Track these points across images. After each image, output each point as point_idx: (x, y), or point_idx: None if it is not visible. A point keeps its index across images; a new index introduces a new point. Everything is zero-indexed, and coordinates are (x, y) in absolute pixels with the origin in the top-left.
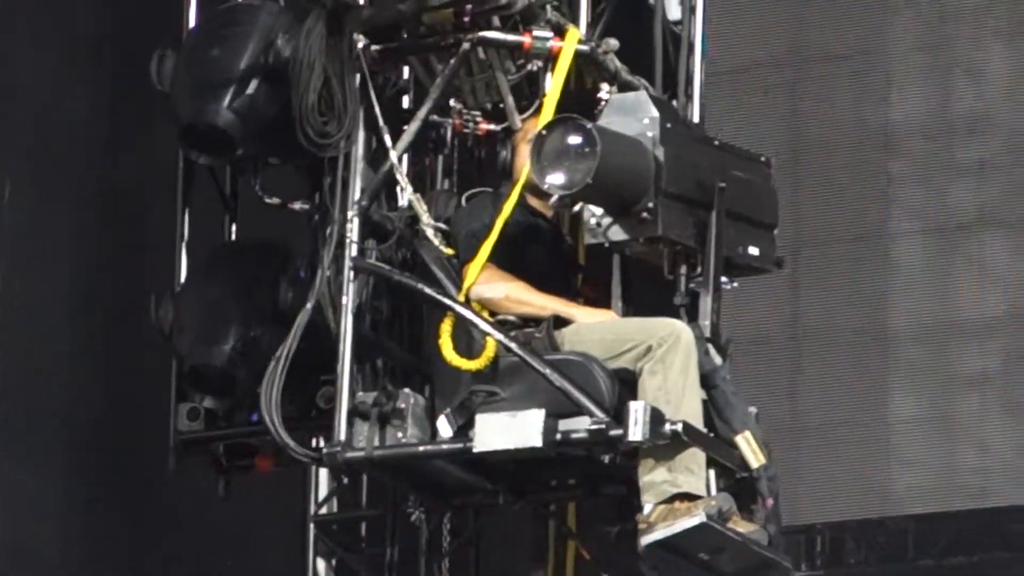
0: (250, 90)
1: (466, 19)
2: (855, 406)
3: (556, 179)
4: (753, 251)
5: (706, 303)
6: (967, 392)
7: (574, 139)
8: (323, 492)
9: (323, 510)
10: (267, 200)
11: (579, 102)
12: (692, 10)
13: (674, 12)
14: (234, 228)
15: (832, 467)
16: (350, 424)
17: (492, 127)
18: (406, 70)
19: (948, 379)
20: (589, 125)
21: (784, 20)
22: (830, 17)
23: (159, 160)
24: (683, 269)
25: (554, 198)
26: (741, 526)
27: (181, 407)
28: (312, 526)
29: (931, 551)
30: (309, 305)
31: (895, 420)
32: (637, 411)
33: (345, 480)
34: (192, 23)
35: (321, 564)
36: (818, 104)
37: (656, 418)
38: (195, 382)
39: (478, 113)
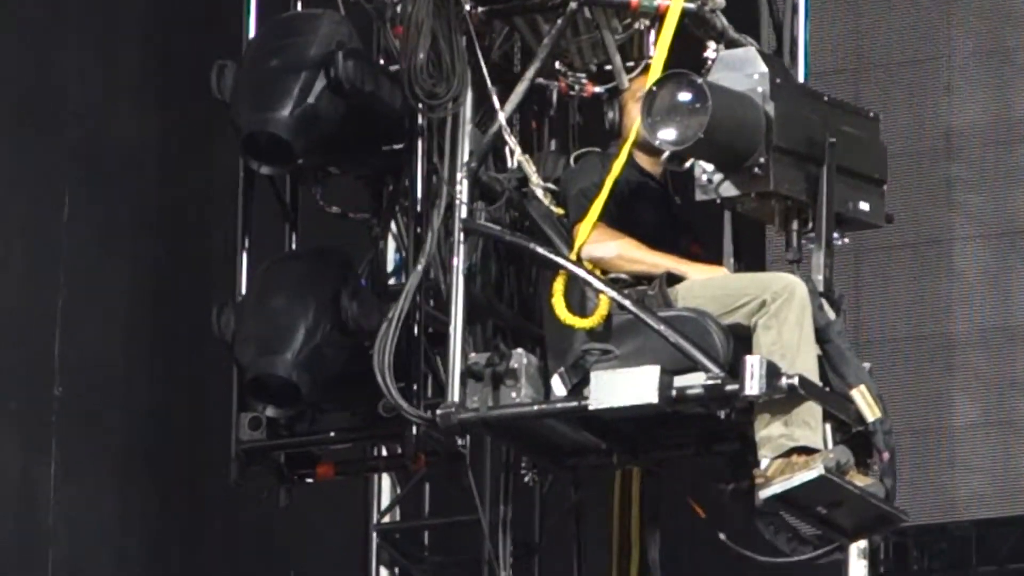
0: (311, 100)
1: None
2: (918, 412)
3: (668, 135)
4: (863, 207)
5: (818, 258)
6: None
7: (684, 95)
8: (385, 501)
9: (385, 519)
10: (328, 210)
11: (684, 61)
12: None
13: None
14: (294, 238)
15: None
16: (463, 385)
17: (598, 89)
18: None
19: (1010, 384)
20: (700, 80)
21: (843, 29)
22: (889, 25)
23: (219, 171)
24: (794, 225)
25: (665, 154)
26: (858, 479)
27: (243, 417)
28: (375, 535)
29: (994, 557)
30: (419, 267)
31: (958, 426)
32: (753, 365)
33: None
34: (252, 33)
35: (384, 573)
36: (879, 111)
37: (772, 372)
38: (257, 392)
39: (583, 75)
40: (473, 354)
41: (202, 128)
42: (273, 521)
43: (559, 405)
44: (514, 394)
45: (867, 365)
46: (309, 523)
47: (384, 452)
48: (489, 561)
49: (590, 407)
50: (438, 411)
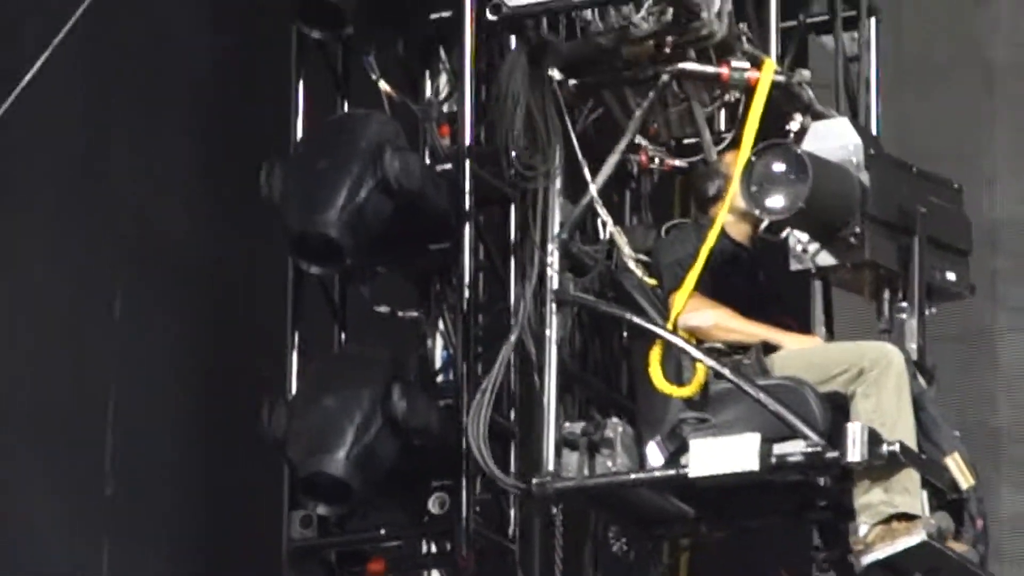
0: (359, 199)
1: (667, 50)
2: None
3: (774, 203)
4: (950, 276)
5: (911, 326)
6: None
7: (781, 166)
8: None
9: None
10: (376, 308)
11: (767, 133)
12: (867, 45)
13: (851, 48)
14: (343, 336)
15: None
16: (557, 455)
17: (678, 162)
18: None
19: None
20: (799, 151)
21: (885, 121)
22: (929, 118)
23: (268, 269)
24: (885, 294)
25: (764, 224)
26: (956, 546)
27: (293, 515)
28: None
29: None
30: (512, 337)
31: (1005, 518)
32: (855, 432)
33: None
34: (299, 133)
35: None
36: None
37: (874, 439)
38: (309, 490)
39: (663, 148)
40: (567, 423)
41: (251, 226)
42: None
43: (658, 473)
44: (610, 463)
45: (957, 433)
46: None
47: (434, 549)
48: None
49: (690, 475)
50: (534, 480)
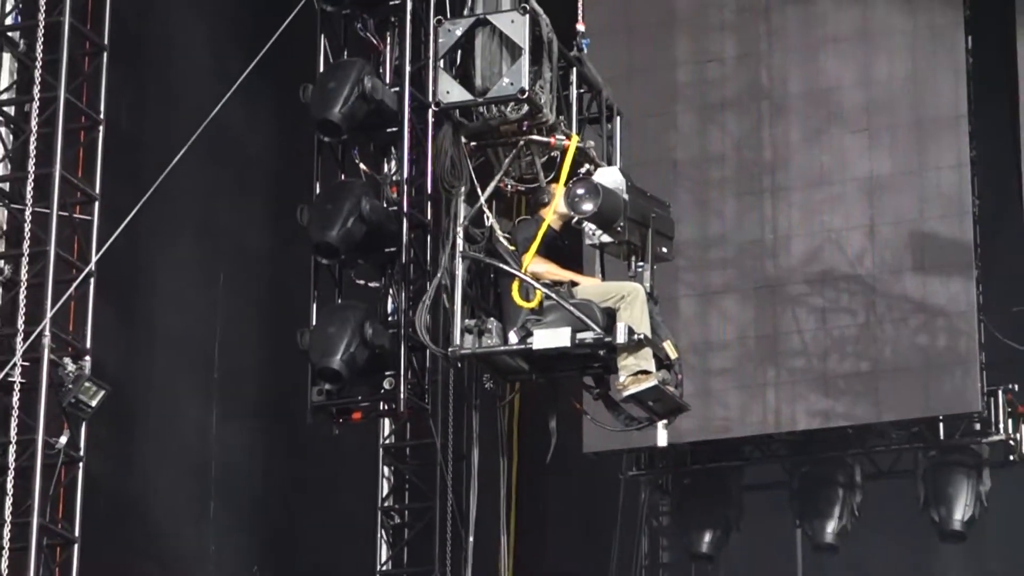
0: (348, 224)
1: (524, 127)
2: None
3: (584, 209)
4: (664, 250)
5: (647, 275)
6: None
7: (584, 189)
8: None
9: None
10: (357, 281)
11: (573, 172)
12: (615, 131)
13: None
14: (339, 295)
15: None
16: (462, 337)
17: (523, 188)
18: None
19: None
20: (595, 181)
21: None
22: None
23: (302, 262)
24: (634, 259)
25: (575, 219)
26: (668, 389)
27: (313, 389)
28: None
29: None
30: (439, 275)
31: None
32: (621, 328)
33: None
34: (317, 189)
35: None
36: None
37: (630, 331)
38: (320, 375)
39: (516, 180)
40: (466, 320)
41: (294, 239)
42: None
43: (515, 347)
44: (489, 341)
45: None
46: None
47: (386, 408)
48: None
49: (533, 348)
50: (449, 349)
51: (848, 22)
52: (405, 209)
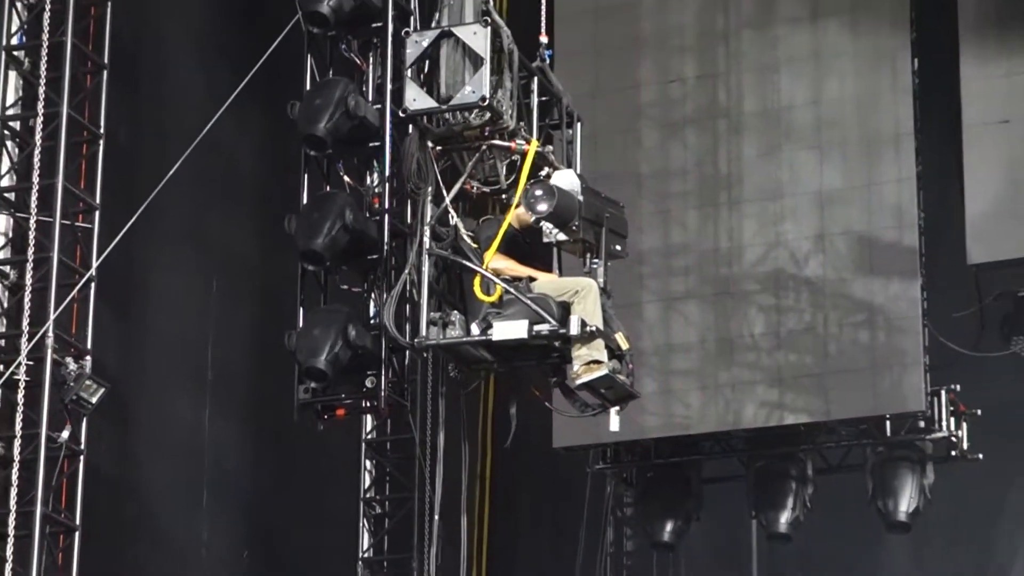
0: (333, 233)
1: (486, 133)
2: None
3: (542, 209)
4: (618, 247)
5: (601, 271)
6: None
7: (542, 191)
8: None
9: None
10: (342, 286)
11: (533, 175)
12: (574, 136)
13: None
14: (324, 299)
15: None
16: (428, 328)
17: (487, 189)
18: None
19: None
20: (552, 184)
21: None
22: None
23: (288, 268)
24: (588, 255)
25: (533, 218)
26: (619, 377)
27: (300, 387)
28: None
29: None
30: (406, 271)
31: None
32: (574, 320)
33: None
34: (305, 199)
35: None
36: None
37: (583, 324)
38: (306, 374)
39: (480, 182)
40: (432, 313)
41: (282, 246)
42: None
43: (478, 337)
44: (453, 333)
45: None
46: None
47: (368, 405)
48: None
49: (493, 339)
50: (415, 340)
51: (801, 45)
52: (386, 219)
